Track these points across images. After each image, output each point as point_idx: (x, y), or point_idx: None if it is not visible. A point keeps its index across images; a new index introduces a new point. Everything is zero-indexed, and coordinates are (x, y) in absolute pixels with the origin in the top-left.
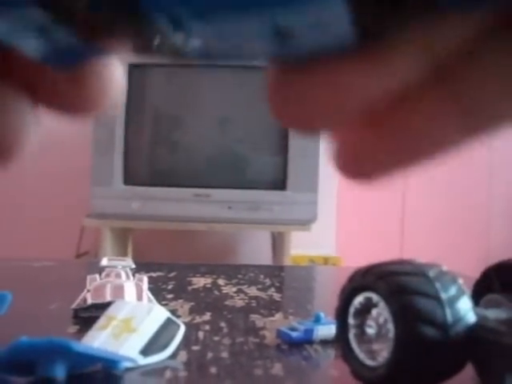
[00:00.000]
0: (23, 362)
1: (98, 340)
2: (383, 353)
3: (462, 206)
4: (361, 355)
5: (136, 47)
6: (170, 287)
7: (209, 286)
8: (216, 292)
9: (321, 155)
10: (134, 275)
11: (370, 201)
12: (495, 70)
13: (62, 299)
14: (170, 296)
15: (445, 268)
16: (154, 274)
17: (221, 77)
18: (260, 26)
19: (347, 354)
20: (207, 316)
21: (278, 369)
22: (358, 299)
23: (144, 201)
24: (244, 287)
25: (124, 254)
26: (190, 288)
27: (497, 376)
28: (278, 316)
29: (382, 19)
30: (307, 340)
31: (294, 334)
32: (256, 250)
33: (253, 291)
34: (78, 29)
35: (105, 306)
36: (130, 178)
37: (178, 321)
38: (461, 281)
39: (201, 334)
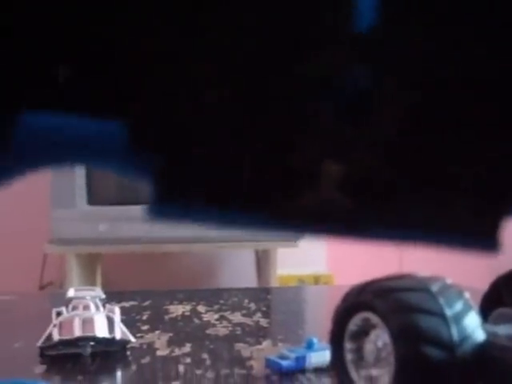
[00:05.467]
0: None
1: None
2: (384, 378)
3: None
4: (360, 382)
5: None
6: (144, 318)
7: (188, 313)
8: (196, 320)
9: None
10: (104, 306)
11: None
12: None
13: (26, 336)
14: (145, 327)
15: (449, 281)
16: (126, 304)
17: None
18: None
19: (344, 382)
20: (187, 347)
21: None
22: (354, 320)
23: (112, 222)
24: (227, 313)
25: (92, 282)
26: (167, 317)
27: None
28: (266, 344)
29: None
30: (299, 369)
31: (285, 363)
32: (238, 271)
33: (237, 317)
34: None
35: (73, 343)
36: (95, 197)
37: None
38: (467, 295)
39: (181, 368)
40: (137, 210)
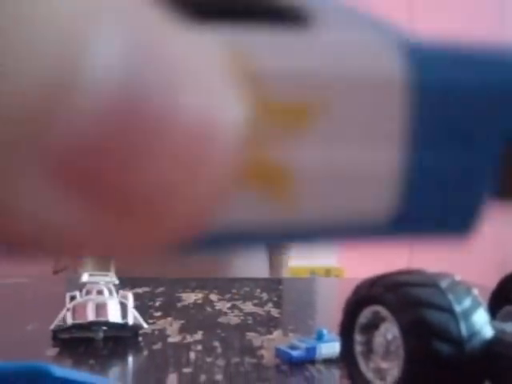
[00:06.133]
0: None
1: None
2: (393, 372)
3: None
4: (368, 374)
5: None
6: (157, 304)
7: (200, 301)
8: (208, 308)
9: None
10: (117, 292)
11: None
12: None
13: (39, 319)
14: (157, 314)
15: (458, 278)
16: (139, 290)
17: None
18: None
19: (353, 374)
20: (199, 335)
21: None
22: (365, 313)
23: None
24: (239, 303)
25: (106, 268)
26: (179, 305)
27: None
28: (277, 333)
29: None
30: (309, 359)
31: (295, 353)
32: (251, 261)
33: (248, 307)
34: None
35: (86, 327)
36: None
37: None
38: (476, 291)
39: (192, 355)
40: None
